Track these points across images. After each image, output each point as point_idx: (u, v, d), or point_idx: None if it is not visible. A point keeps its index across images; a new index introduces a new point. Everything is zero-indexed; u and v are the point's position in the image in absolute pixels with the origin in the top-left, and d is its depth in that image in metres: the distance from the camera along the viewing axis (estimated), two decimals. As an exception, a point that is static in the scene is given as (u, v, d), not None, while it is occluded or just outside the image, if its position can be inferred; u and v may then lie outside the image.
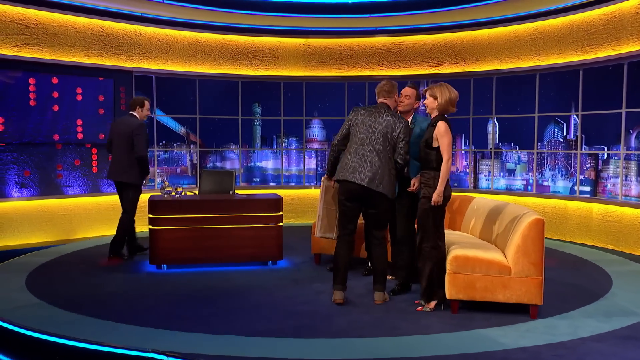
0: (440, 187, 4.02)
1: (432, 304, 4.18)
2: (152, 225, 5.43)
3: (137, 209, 6.01)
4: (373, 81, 9.03)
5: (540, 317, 4.02)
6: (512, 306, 4.12)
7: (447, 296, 4.08)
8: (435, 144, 4.08)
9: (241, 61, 8.81)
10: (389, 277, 4.83)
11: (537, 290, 3.95)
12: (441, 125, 4.05)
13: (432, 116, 4.20)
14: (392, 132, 4.22)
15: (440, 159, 4.06)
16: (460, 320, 3.96)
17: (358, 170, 4.18)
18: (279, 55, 8.98)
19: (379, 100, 4.39)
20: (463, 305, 4.23)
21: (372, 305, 4.33)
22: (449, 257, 4.09)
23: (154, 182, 8.47)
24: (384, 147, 4.20)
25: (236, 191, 6.23)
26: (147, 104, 5.94)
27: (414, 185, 4.50)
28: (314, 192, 9.09)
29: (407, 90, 4.73)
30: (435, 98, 4.14)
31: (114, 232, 6.26)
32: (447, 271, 4.07)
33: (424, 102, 4.25)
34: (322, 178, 4.80)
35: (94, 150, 7.72)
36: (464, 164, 9.17)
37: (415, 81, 8.99)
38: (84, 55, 7.56)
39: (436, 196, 4.02)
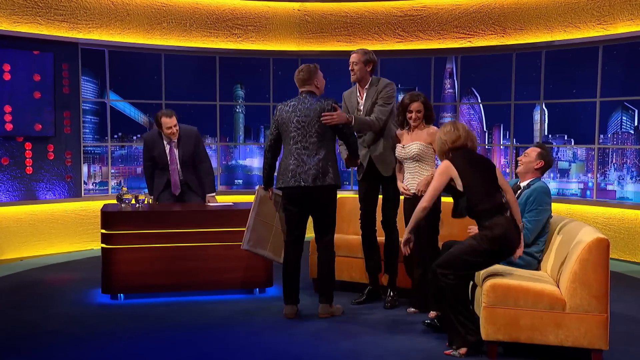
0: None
1: (464, 349, 4.18)
2: (106, 244, 5.44)
3: (87, 223, 6.01)
4: (388, 57, 9.04)
5: (604, 365, 4.02)
6: (568, 351, 4.10)
7: (483, 336, 4.08)
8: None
9: (219, 32, 8.81)
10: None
11: (601, 330, 3.93)
12: (442, 163, 4.35)
13: None
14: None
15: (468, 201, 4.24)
16: (502, 369, 3.98)
17: (298, 172, 4.82)
18: (268, 24, 8.98)
19: (300, 91, 5.00)
20: (504, 348, 4.21)
21: (387, 345, 4.36)
22: (485, 287, 4.09)
23: (108, 186, 8.47)
24: (318, 138, 4.83)
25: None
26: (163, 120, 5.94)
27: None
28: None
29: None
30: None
31: (53, 250, 6.27)
32: (483, 304, 4.07)
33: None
34: (257, 187, 5.20)
35: (28, 146, 7.71)
36: (502, 162, 9.17)
37: (441, 57, 9.01)
38: (13, 21, 7.54)
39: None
